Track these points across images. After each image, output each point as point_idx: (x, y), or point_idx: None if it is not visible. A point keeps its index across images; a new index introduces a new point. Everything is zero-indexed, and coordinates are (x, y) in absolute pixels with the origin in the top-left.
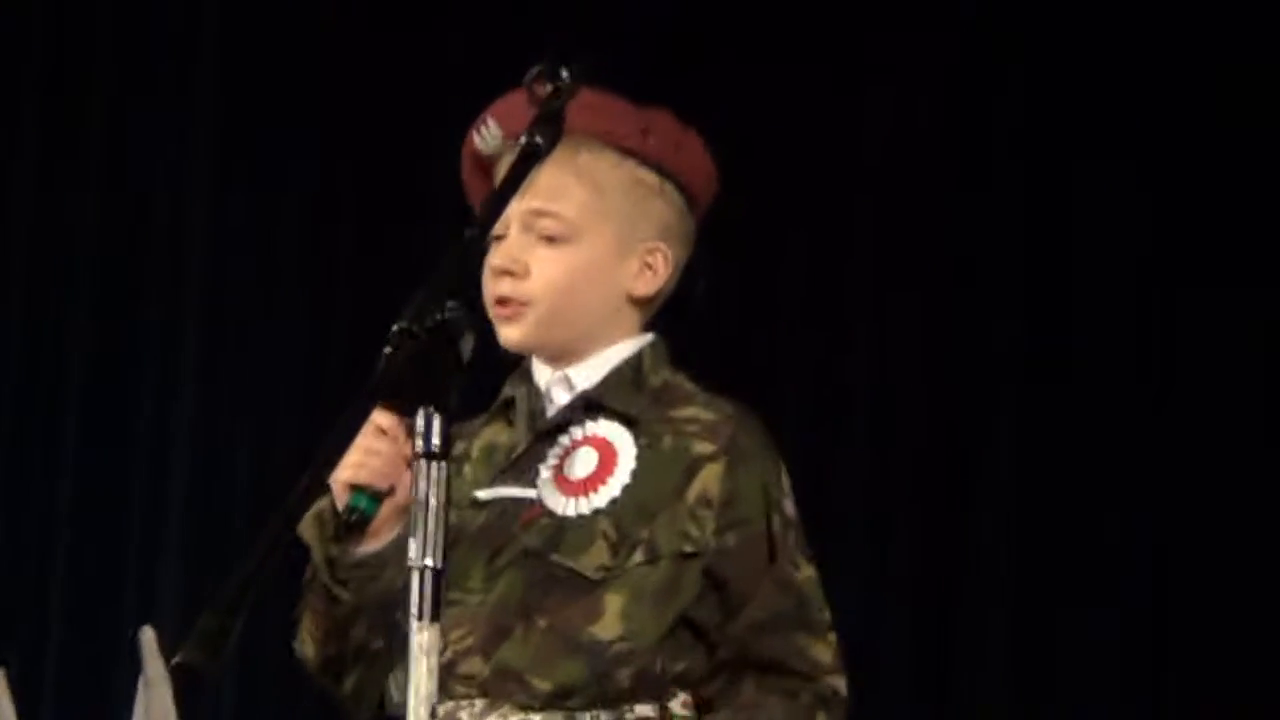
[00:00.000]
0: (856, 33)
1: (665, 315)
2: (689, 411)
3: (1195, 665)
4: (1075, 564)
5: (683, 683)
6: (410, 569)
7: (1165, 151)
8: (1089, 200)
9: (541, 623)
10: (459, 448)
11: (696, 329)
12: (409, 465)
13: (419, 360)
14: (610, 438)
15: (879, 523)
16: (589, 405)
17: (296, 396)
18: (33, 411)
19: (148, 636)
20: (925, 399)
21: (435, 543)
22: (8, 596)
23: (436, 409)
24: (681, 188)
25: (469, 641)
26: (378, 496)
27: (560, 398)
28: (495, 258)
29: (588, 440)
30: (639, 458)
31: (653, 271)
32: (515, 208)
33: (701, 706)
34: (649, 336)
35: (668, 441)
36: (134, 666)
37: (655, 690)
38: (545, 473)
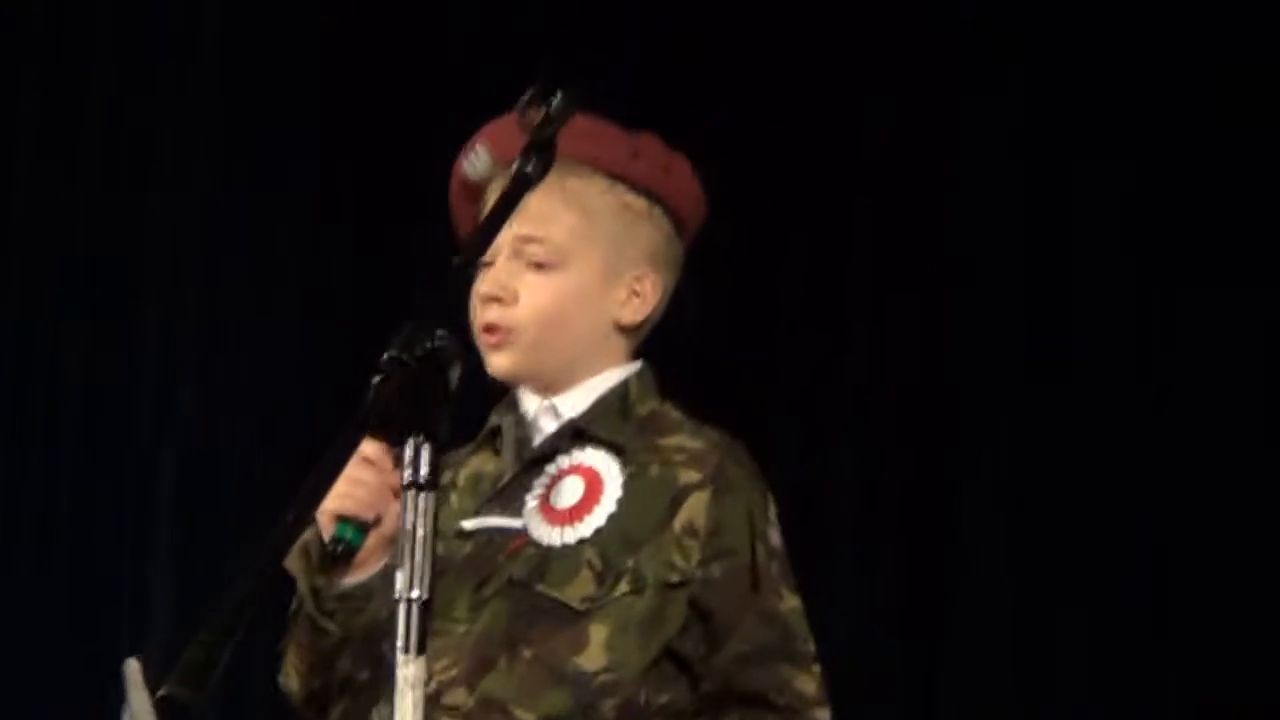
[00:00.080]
0: (856, 33)
1: (654, 342)
2: (675, 440)
3: (1195, 667)
4: (1072, 572)
5: (667, 715)
6: (397, 601)
7: (1165, 151)
8: (1089, 200)
9: (526, 653)
10: (445, 477)
11: (688, 347)
12: (396, 495)
13: (408, 390)
14: (596, 466)
15: (867, 553)
16: (576, 434)
17: (289, 398)
18: (26, 411)
19: (132, 668)
20: (922, 403)
21: (422, 575)
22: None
23: (425, 439)
24: (670, 212)
25: (454, 672)
26: (364, 527)
27: (547, 426)
28: (483, 285)
29: (574, 469)
30: (625, 486)
31: (640, 299)
32: (504, 234)
33: None
34: (637, 365)
35: (654, 470)
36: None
37: None
38: (531, 502)
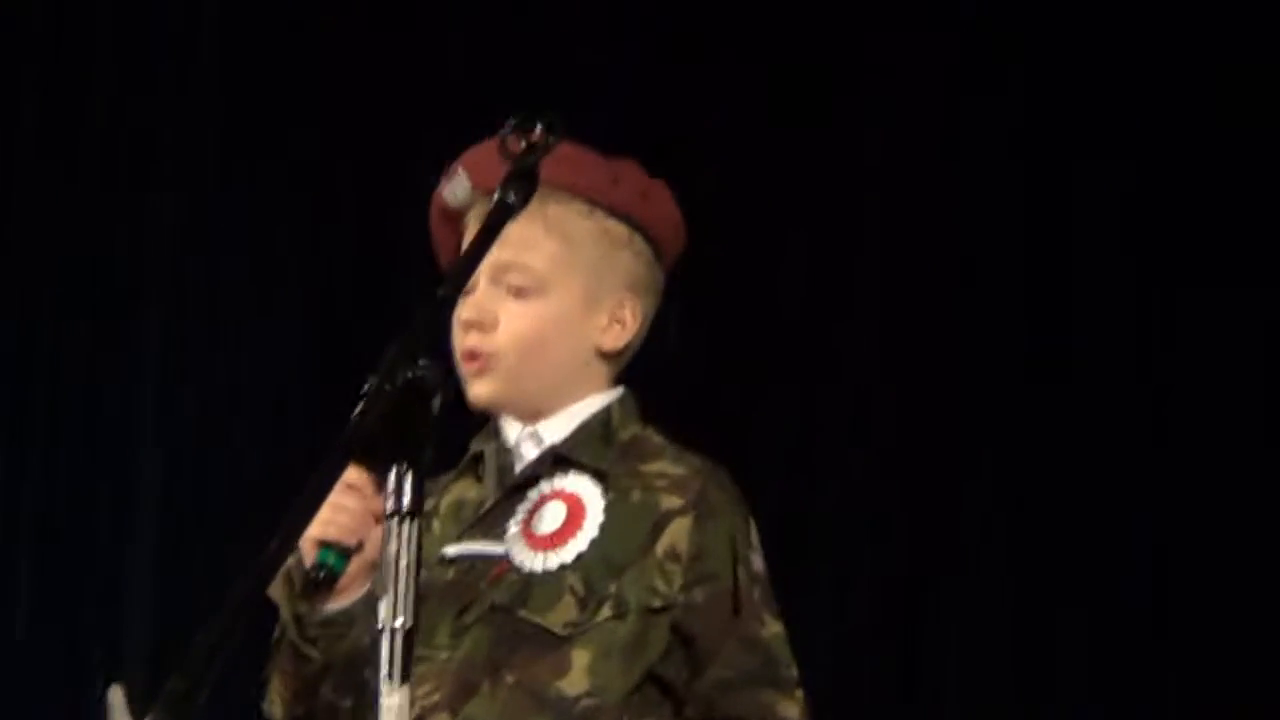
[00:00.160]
0: (857, 33)
1: (635, 368)
2: (657, 466)
3: (1195, 666)
4: (1073, 573)
5: None
6: (380, 629)
7: (1165, 151)
8: (1089, 201)
9: (509, 679)
10: (427, 504)
11: (673, 364)
12: (378, 521)
13: (390, 418)
14: (578, 492)
15: (858, 560)
16: (557, 460)
17: (289, 399)
18: (26, 411)
19: (116, 696)
20: (923, 403)
21: (406, 603)
22: None
23: (408, 467)
24: (649, 239)
25: (436, 698)
26: (346, 553)
27: (529, 453)
28: (464, 310)
29: (556, 495)
30: (607, 512)
31: (621, 325)
32: (484, 260)
33: None
34: (618, 391)
35: (636, 496)
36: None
37: None
38: (513, 528)
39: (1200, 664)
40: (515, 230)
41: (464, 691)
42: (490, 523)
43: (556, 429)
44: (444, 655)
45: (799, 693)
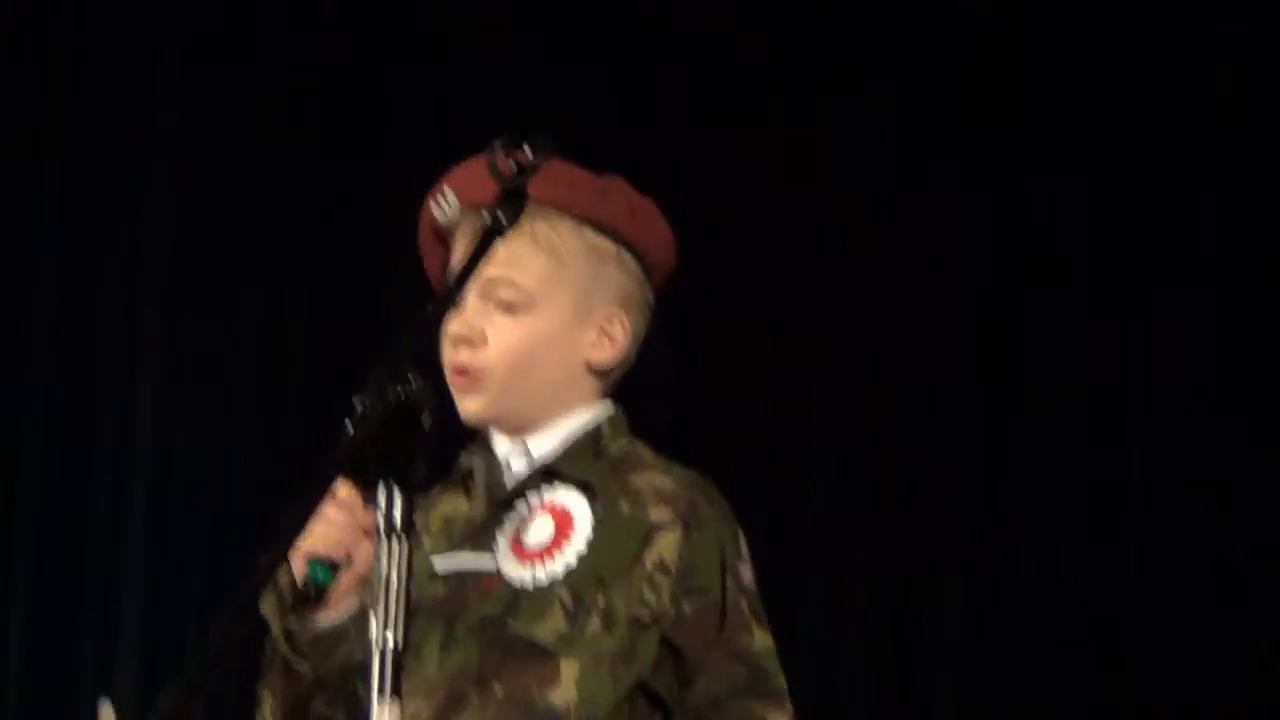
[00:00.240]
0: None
1: (626, 383)
2: (646, 479)
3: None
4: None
5: None
6: (371, 646)
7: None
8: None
9: (498, 690)
10: (417, 520)
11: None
12: (366, 535)
13: (380, 437)
14: (567, 505)
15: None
16: (546, 474)
17: (259, 421)
18: None
19: (105, 709)
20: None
21: (396, 621)
22: None
23: (399, 485)
24: (638, 255)
25: (426, 711)
26: (334, 567)
27: (518, 467)
28: (453, 326)
29: (544, 508)
30: (596, 525)
31: (611, 340)
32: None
33: None
34: (609, 406)
35: (624, 509)
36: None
37: None
38: (503, 542)
39: (1201, 664)
40: (503, 246)
41: (454, 704)
42: (480, 537)
43: (546, 443)
44: (434, 668)
45: (788, 704)
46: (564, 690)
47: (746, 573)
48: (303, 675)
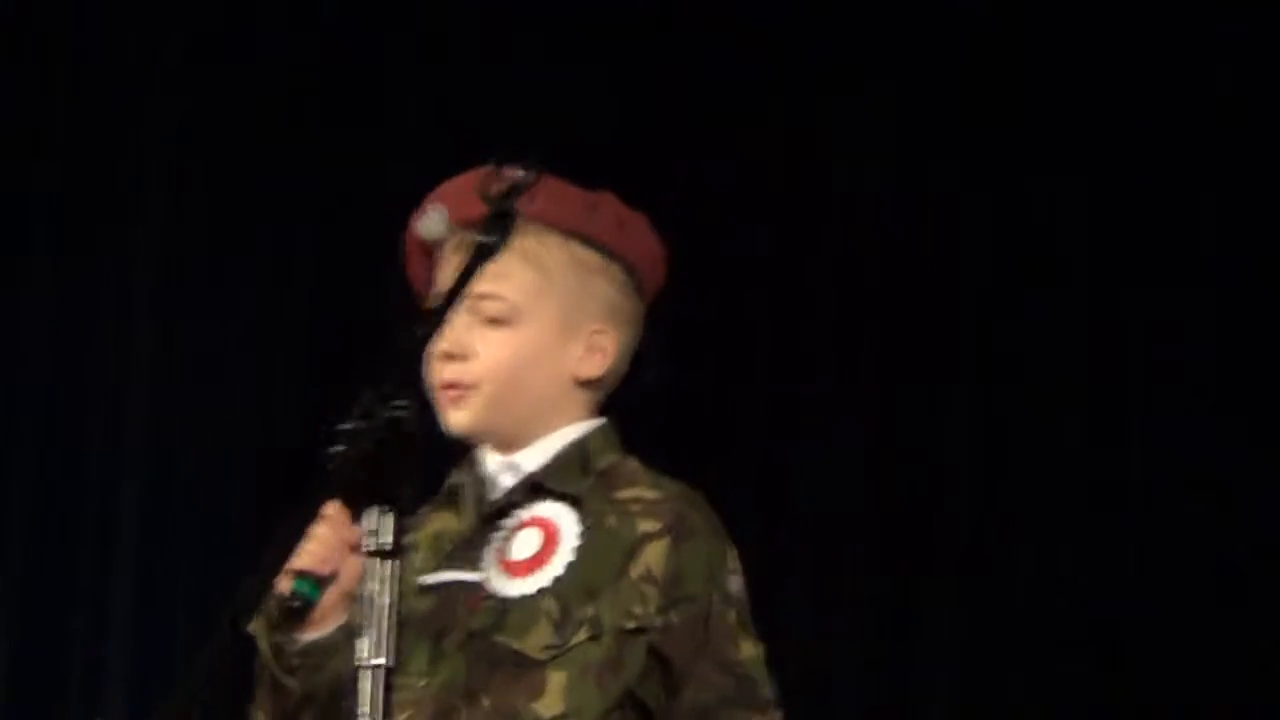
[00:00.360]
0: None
1: (619, 398)
2: (633, 492)
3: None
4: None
5: None
6: (359, 667)
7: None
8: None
9: (485, 703)
10: (407, 538)
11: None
12: (353, 550)
13: (369, 457)
14: (553, 518)
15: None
16: (533, 488)
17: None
18: None
19: None
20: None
21: (385, 642)
22: None
23: (388, 506)
24: (627, 269)
25: None
26: (320, 582)
27: (506, 482)
28: (440, 342)
29: (531, 522)
30: (582, 536)
31: (599, 353)
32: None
33: None
34: (598, 420)
35: (611, 520)
36: None
37: None
38: (490, 555)
39: (1201, 664)
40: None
41: (442, 717)
42: (467, 552)
43: (534, 458)
44: (422, 682)
45: (777, 713)
46: (551, 701)
47: (735, 583)
48: (291, 691)
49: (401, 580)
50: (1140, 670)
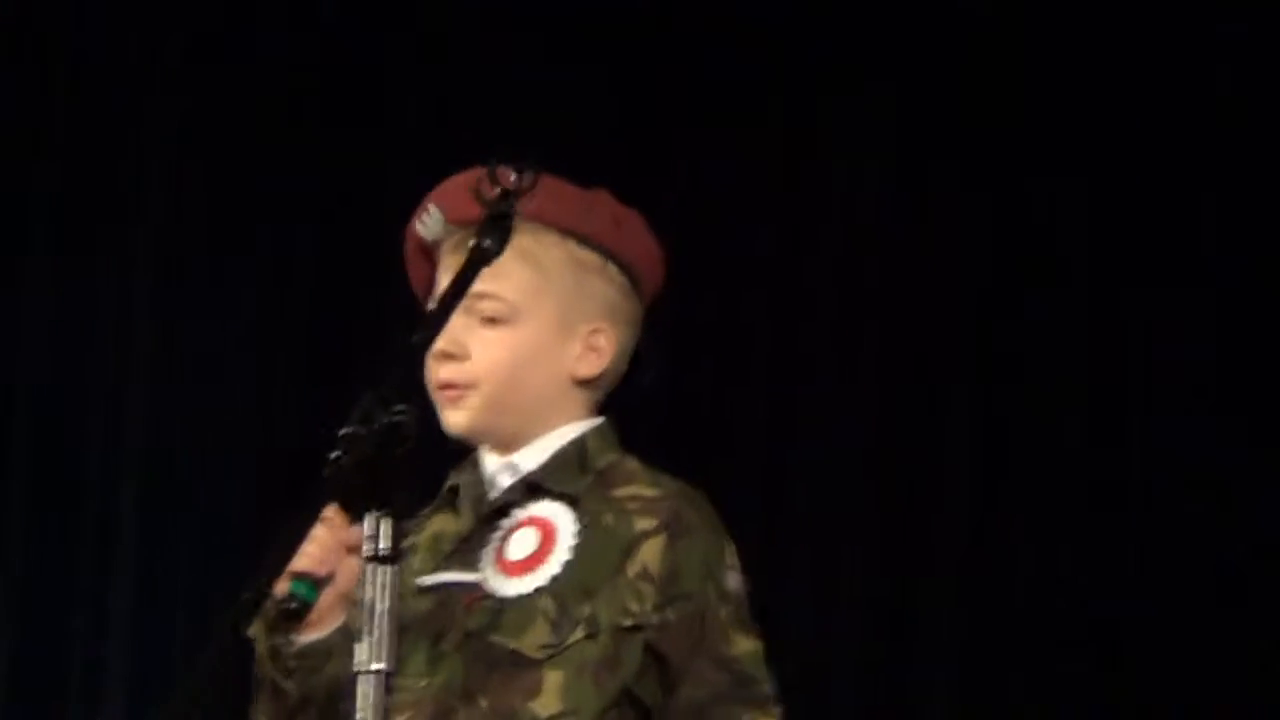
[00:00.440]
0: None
1: (617, 398)
2: (631, 490)
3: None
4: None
5: None
6: (357, 672)
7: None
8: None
9: (483, 703)
10: (406, 540)
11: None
12: (350, 552)
13: (368, 462)
14: (550, 517)
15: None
16: (531, 488)
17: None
18: None
19: None
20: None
21: (382, 647)
22: None
23: (385, 511)
24: (624, 268)
25: None
26: (317, 583)
27: (504, 482)
28: (437, 342)
29: (528, 521)
30: (579, 535)
31: (597, 353)
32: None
33: None
34: (597, 419)
35: (608, 519)
36: None
37: None
38: (488, 555)
39: (1201, 664)
40: None
41: (440, 718)
42: (465, 552)
43: (532, 458)
44: (421, 684)
45: (776, 709)
46: (548, 701)
47: (732, 580)
48: (289, 693)
49: (399, 591)
50: (1140, 670)
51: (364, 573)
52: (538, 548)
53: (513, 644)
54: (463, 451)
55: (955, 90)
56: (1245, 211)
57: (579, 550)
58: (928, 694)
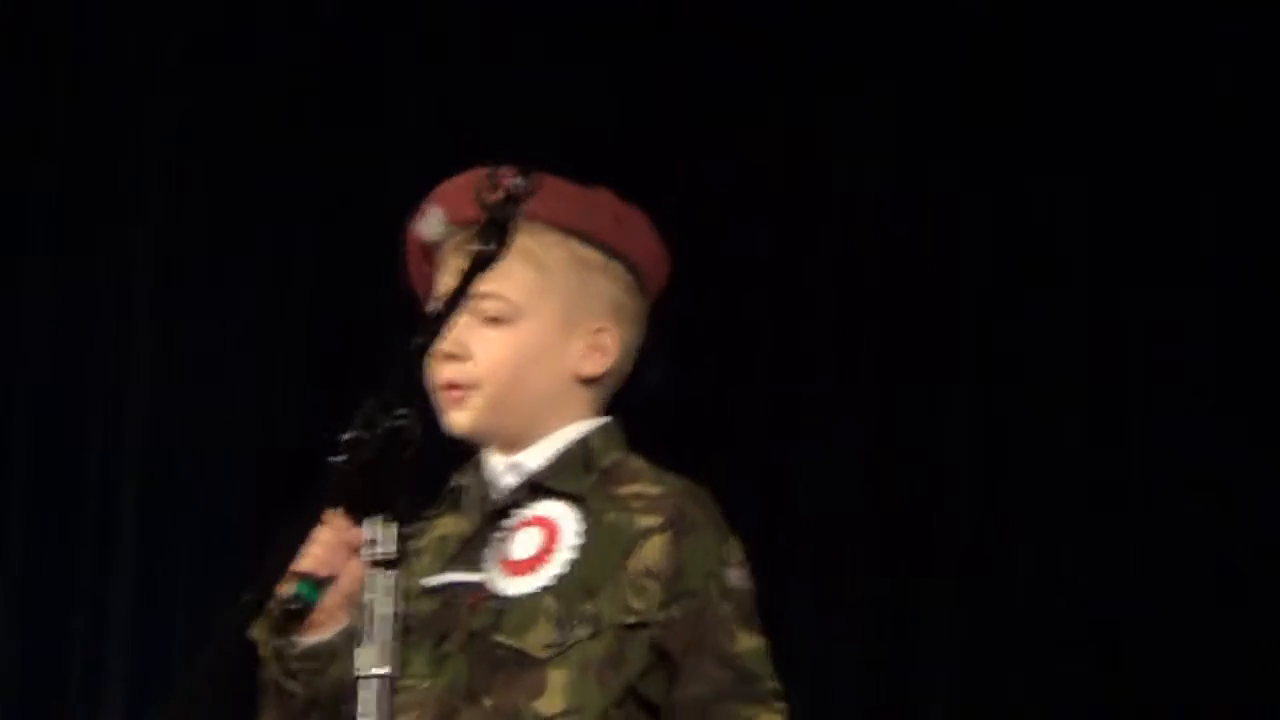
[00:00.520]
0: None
1: (623, 397)
2: (634, 488)
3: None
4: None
5: None
6: (361, 677)
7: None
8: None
9: (487, 703)
10: (411, 543)
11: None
12: (353, 553)
13: (369, 469)
14: (553, 516)
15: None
16: (535, 488)
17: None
18: None
19: None
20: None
21: (386, 651)
22: None
23: (388, 516)
24: (628, 266)
25: None
26: (319, 584)
27: (509, 482)
28: (440, 342)
29: (531, 521)
30: (582, 534)
31: (601, 351)
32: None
33: None
34: (602, 418)
35: (611, 517)
36: None
37: None
38: (491, 556)
39: (1201, 664)
40: None
41: (444, 718)
42: (469, 552)
43: (536, 457)
44: (425, 684)
45: (779, 704)
46: (551, 698)
47: (735, 576)
48: (294, 695)
49: (402, 595)
50: (1140, 670)
51: (366, 577)
52: (541, 547)
53: (517, 643)
54: (467, 452)
55: (955, 90)
56: (1245, 211)
57: (583, 549)
58: (928, 694)
